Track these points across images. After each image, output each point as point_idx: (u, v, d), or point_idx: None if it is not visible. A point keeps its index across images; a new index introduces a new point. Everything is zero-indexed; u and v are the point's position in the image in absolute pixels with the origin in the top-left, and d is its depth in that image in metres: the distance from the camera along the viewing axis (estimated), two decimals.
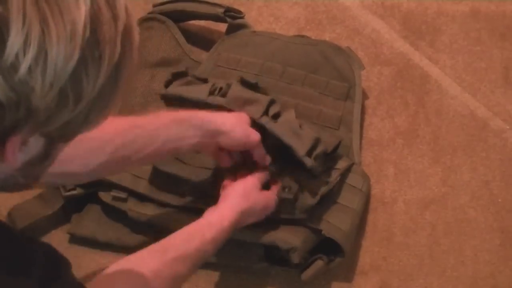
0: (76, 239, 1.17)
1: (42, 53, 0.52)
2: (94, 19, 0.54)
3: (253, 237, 1.09)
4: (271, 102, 1.11)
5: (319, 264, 1.08)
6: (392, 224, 1.19)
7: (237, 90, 1.12)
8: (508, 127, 1.28)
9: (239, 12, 1.34)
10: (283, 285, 1.13)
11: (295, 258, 1.07)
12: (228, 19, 1.33)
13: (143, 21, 1.35)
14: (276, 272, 1.14)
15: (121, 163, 0.98)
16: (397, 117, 1.30)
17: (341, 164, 1.14)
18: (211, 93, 1.12)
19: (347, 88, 1.24)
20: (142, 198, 1.14)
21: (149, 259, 0.89)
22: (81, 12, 0.53)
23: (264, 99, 1.11)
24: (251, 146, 1.06)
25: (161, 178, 1.14)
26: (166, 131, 1.00)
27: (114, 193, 1.13)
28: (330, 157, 1.12)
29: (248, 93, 1.12)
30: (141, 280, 0.86)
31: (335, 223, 1.09)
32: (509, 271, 1.14)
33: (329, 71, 1.26)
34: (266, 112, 1.10)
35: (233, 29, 1.33)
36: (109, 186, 1.13)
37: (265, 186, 1.08)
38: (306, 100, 1.22)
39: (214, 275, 1.14)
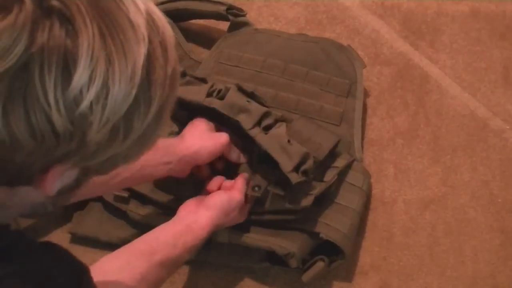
0: (77, 239, 1.16)
1: (105, 90, 0.53)
2: (150, 61, 0.55)
3: (250, 243, 1.09)
4: (265, 115, 1.10)
5: (320, 265, 1.08)
6: (392, 224, 1.19)
7: (234, 95, 1.11)
8: (508, 127, 1.28)
9: (241, 10, 1.34)
10: (283, 285, 1.13)
11: (293, 263, 1.07)
12: (230, 17, 1.33)
13: None
14: (276, 272, 1.14)
15: (98, 187, 1.00)
16: (397, 117, 1.30)
17: (340, 162, 1.13)
18: (209, 94, 1.12)
19: (348, 84, 1.24)
20: (143, 200, 1.14)
21: (137, 262, 0.90)
22: (141, 53, 0.54)
23: (258, 110, 1.10)
24: (224, 149, 1.08)
25: (162, 181, 1.13)
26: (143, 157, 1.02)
27: (116, 192, 1.13)
28: (324, 162, 1.11)
29: (244, 101, 1.11)
30: (131, 284, 0.87)
31: (334, 225, 1.08)
32: (509, 271, 1.14)
33: (330, 68, 1.25)
34: (258, 123, 1.09)
35: (235, 27, 1.33)
36: None
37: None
38: (308, 97, 1.22)
39: (214, 275, 1.14)
